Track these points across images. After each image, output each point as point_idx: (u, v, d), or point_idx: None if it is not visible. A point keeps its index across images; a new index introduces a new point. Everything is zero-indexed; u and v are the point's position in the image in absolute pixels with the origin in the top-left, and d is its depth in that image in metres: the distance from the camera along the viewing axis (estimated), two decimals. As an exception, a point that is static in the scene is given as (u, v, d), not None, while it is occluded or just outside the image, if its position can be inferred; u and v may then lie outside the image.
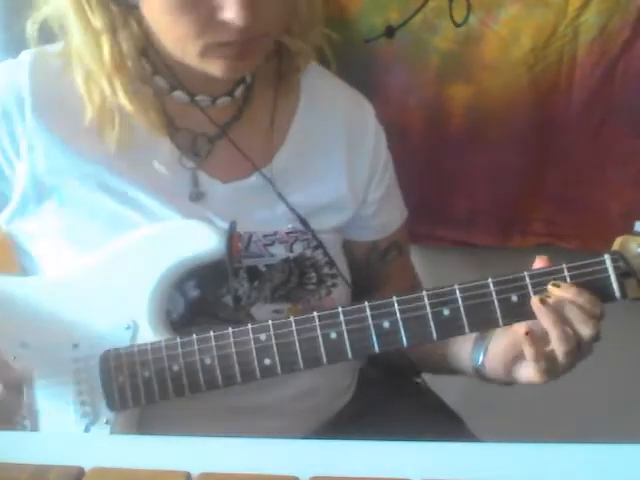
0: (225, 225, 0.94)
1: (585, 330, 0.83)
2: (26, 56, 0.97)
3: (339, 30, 1.12)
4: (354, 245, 1.10)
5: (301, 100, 1.05)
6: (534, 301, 0.83)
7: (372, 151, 1.07)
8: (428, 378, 1.15)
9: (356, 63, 1.21)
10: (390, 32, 1.23)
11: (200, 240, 0.92)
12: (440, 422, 1.07)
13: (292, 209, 0.99)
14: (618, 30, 1.18)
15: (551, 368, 0.85)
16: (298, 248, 1.00)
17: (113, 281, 0.93)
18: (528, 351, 0.85)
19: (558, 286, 0.83)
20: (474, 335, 0.94)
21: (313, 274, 1.01)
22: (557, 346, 0.84)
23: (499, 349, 0.92)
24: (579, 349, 0.84)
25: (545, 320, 0.83)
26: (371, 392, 1.12)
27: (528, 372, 0.89)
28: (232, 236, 0.92)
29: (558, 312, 0.83)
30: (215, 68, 0.91)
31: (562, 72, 1.22)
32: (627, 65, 1.20)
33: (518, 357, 0.90)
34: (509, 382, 0.94)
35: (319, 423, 1.05)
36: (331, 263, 1.02)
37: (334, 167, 1.04)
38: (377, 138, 1.09)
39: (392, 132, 1.11)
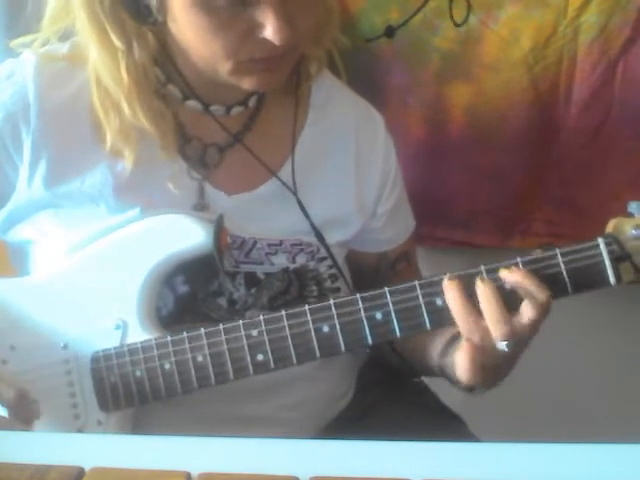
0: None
1: (526, 311, 0.81)
2: (29, 57, 0.94)
3: (340, 30, 1.12)
4: (363, 255, 1.09)
5: (310, 112, 1.03)
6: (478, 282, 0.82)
7: (382, 164, 1.06)
8: (428, 378, 1.15)
9: (356, 63, 1.21)
10: (390, 32, 1.23)
11: (187, 234, 0.91)
12: (440, 422, 1.07)
13: (312, 223, 0.97)
14: (618, 30, 1.18)
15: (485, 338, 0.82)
16: (301, 259, 0.99)
17: (100, 280, 0.92)
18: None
19: (511, 270, 0.82)
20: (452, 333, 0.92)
21: (314, 287, 1.00)
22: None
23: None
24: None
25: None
26: (370, 394, 1.12)
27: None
28: (220, 230, 0.91)
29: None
30: (247, 83, 0.91)
31: (562, 72, 1.22)
32: (627, 65, 1.20)
33: None
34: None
35: (318, 429, 1.05)
36: (336, 277, 1.01)
37: (342, 181, 1.03)
38: (387, 150, 1.07)
39: (392, 132, 1.10)
